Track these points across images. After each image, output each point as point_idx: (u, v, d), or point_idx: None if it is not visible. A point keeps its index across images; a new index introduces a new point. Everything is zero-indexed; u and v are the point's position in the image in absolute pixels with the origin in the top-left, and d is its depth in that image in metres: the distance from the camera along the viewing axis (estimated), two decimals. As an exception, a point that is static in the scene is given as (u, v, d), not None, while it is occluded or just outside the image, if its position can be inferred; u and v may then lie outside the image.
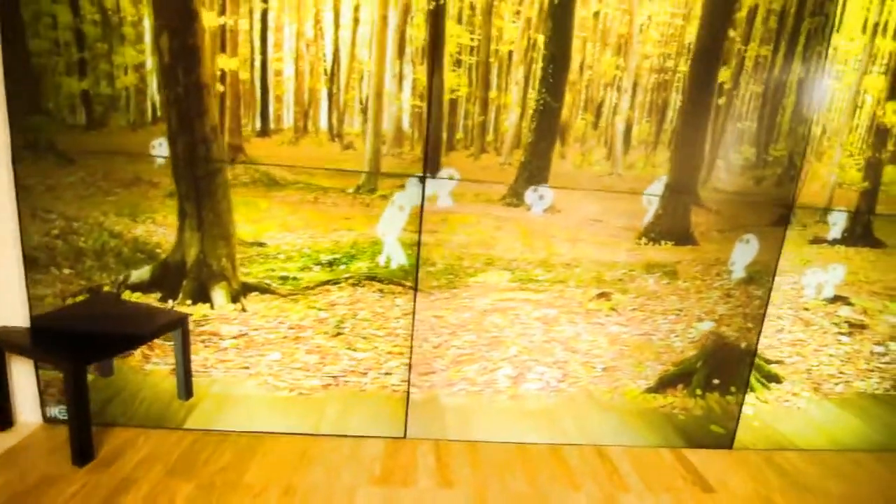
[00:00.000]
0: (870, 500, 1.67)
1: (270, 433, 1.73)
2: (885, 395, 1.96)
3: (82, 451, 1.50)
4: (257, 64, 1.57)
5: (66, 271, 1.64)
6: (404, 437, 1.78)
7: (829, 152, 1.79)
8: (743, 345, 1.86)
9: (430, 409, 1.78)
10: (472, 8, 1.57)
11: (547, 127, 1.67)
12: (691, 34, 1.65)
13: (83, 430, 1.50)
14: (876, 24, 1.72)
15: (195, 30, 1.51)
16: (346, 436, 1.75)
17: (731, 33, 1.67)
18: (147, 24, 1.51)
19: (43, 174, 1.59)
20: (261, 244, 1.66)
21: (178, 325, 1.65)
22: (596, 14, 1.61)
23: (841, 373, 1.92)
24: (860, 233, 1.87)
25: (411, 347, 1.73)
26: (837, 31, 1.71)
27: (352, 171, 1.65)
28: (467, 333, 1.75)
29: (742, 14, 1.65)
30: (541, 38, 1.61)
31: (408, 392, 1.76)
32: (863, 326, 1.91)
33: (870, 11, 1.70)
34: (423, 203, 1.66)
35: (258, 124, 1.61)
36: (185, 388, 1.70)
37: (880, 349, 1.93)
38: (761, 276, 1.82)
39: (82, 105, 1.58)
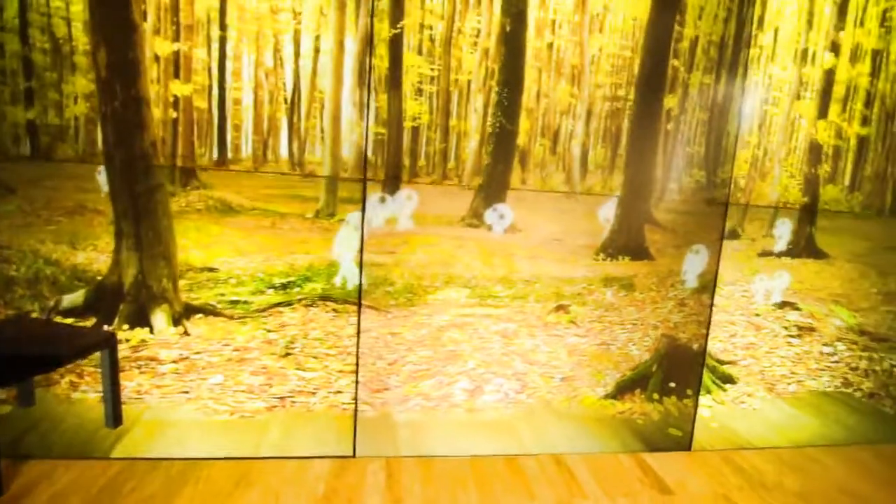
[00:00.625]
0: (824, 494, 1.73)
1: (206, 459, 1.64)
2: (835, 393, 2.09)
3: None
4: (215, 92, 1.58)
5: None
6: (353, 455, 1.73)
7: (772, 172, 1.93)
8: (695, 346, 1.95)
9: (382, 427, 1.76)
10: (432, 40, 1.64)
11: (503, 150, 1.74)
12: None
13: None
14: (805, 52, 1.89)
15: (134, 43, 1.51)
16: (289, 457, 1.68)
17: (675, 62, 1.79)
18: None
19: None
20: (212, 269, 1.64)
21: (104, 346, 1.55)
22: (550, 45, 1.71)
23: (793, 373, 2.05)
24: (804, 245, 2.00)
25: (357, 364, 1.72)
26: (772, 60, 1.87)
27: (309, 179, 1.65)
28: (424, 349, 1.77)
29: (684, 45, 1.78)
30: (497, 67, 1.68)
31: (355, 409, 1.73)
32: (811, 329, 2.05)
33: (798, 43, 1.87)
34: (364, 216, 1.68)
35: (216, 153, 1.60)
36: (114, 414, 1.59)
37: (829, 349, 2.08)
38: (712, 284, 1.93)
39: (27, 135, 1.54)
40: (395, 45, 1.62)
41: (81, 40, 1.50)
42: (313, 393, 1.70)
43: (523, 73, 1.70)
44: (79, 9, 1.48)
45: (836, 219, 2.02)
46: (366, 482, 1.60)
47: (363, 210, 1.65)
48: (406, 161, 1.69)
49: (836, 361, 2.07)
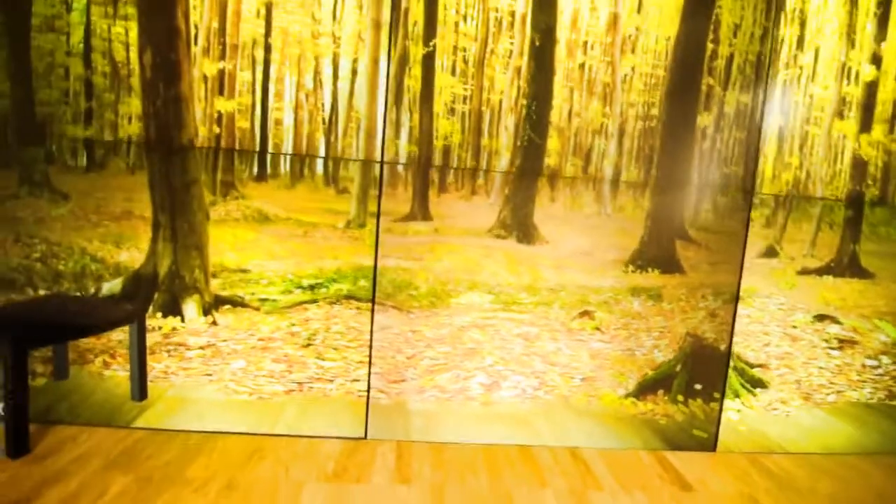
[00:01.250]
0: (861, 500, 1.66)
1: (223, 433, 1.73)
2: (879, 404, 2.01)
3: (17, 443, 1.48)
4: (257, 112, 1.68)
5: (43, 292, 1.70)
6: (365, 438, 1.77)
7: (814, 194, 1.89)
8: (721, 347, 1.91)
9: (396, 413, 1.79)
10: (466, 61, 1.70)
11: (531, 163, 1.77)
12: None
13: (19, 421, 1.48)
14: (847, 69, 1.86)
15: (177, 46, 1.63)
16: (302, 436, 1.74)
17: (710, 80, 1.79)
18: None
19: (34, 207, 1.68)
20: (244, 270, 1.74)
21: (133, 320, 1.65)
22: (582, 65, 1.74)
23: (832, 383, 1.98)
24: (847, 263, 1.94)
25: (370, 349, 1.76)
26: (813, 80, 1.85)
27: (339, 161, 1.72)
28: (443, 346, 1.80)
29: (720, 62, 1.78)
30: (526, 81, 1.73)
31: (368, 389, 1.77)
32: (853, 342, 1.99)
33: (839, 61, 1.84)
34: (379, 221, 1.74)
35: (255, 169, 1.69)
36: (140, 388, 1.69)
37: (873, 362, 2.00)
38: (748, 295, 1.91)
39: (84, 150, 1.67)
40: (428, 64, 1.69)
41: (138, 64, 1.63)
42: (331, 380, 1.77)
43: (552, 88, 1.74)
44: (137, 34, 1.62)
45: (884, 242, 1.95)
46: (375, 462, 1.63)
47: (378, 216, 1.72)
48: (436, 177, 1.74)
49: (882, 374, 2.00)
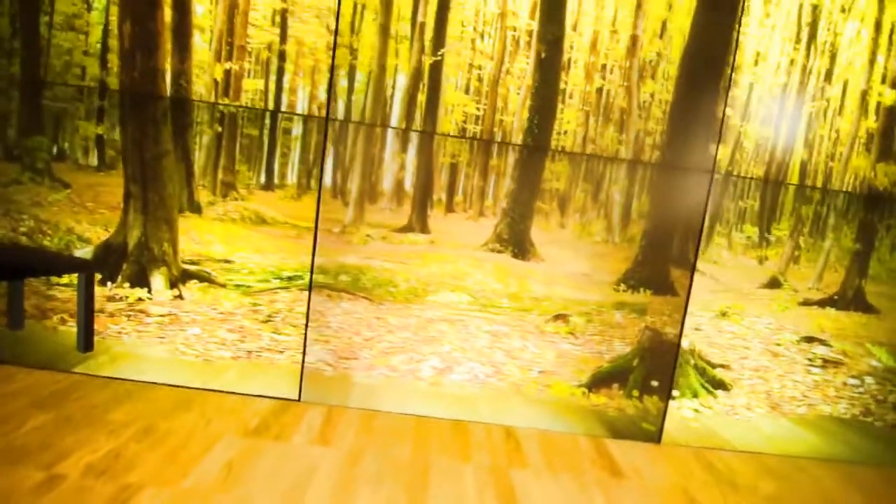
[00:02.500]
0: (803, 502, 1.64)
1: (158, 384, 1.79)
2: (851, 419, 2.01)
3: None
4: (267, 122, 1.70)
5: None
6: (298, 400, 1.82)
7: (833, 233, 1.86)
8: (684, 344, 1.90)
9: (338, 383, 1.83)
10: (480, 80, 1.70)
11: (529, 176, 1.79)
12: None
13: None
14: (877, 105, 1.82)
15: (155, 17, 1.67)
16: (236, 393, 1.79)
17: (729, 111, 1.77)
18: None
19: (32, 192, 1.76)
20: (228, 261, 1.80)
21: (81, 270, 1.68)
22: (599, 90, 1.73)
23: (805, 396, 1.98)
24: (851, 297, 1.91)
25: (307, 321, 1.80)
26: (840, 113, 1.81)
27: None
28: (404, 332, 1.84)
29: (737, 92, 1.76)
30: (539, 104, 1.73)
31: (304, 353, 1.82)
32: (838, 363, 1.99)
33: (867, 95, 1.80)
34: (317, 221, 1.77)
35: (263, 178, 1.72)
36: (85, 339, 1.73)
37: (855, 381, 2.00)
38: (734, 312, 1.91)
39: (95, 148, 1.71)
40: (435, 74, 1.70)
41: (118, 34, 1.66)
42: (281, 352, 1.83)
43: (556, 102, 1.75)
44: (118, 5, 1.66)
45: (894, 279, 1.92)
46: (300, 424, 1.66)
47: (317, 214, 1.76)
48: (443, 196, 1.76)
49: (862, 392, 2.00)
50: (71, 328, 1.80)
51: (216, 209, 1.76)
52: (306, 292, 1.82)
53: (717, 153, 1.81)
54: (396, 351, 1.84)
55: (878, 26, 1.81)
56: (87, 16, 1.66)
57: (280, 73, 1.71)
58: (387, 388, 1.85)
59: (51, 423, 1.47)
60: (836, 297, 1.95)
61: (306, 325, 1.82)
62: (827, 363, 1.98)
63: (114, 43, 1.67)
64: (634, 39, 1.73)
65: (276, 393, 1.83)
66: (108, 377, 1.79)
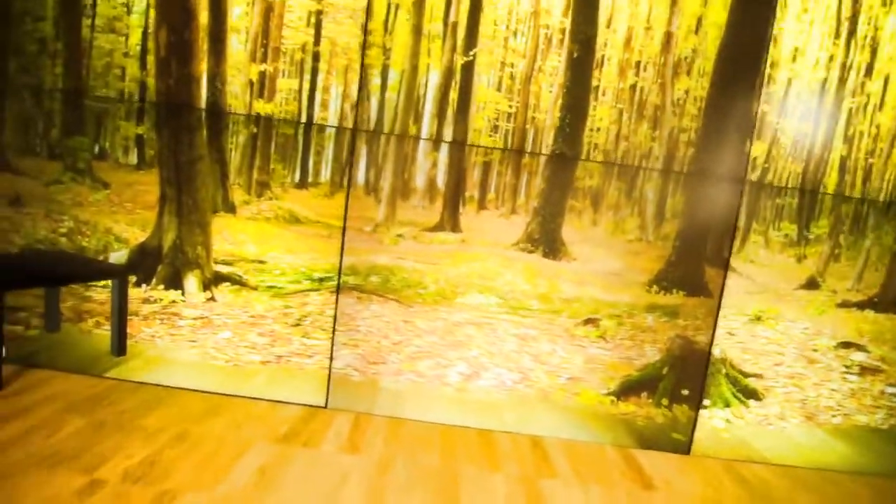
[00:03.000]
0: None
1: (188, 389, 1.81)
2: (890, 429, 1.95)
3: None
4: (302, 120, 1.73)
5: (18, 248, 1.82)
6: (325, 406, 1.83)
7: (871, 230, 1.83)
8: (715, 352, 1.87)
9: (365, 389, 1.85)
10: (512, 78, 1.71)
11: (561, 176, 1.79)
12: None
13: None
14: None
15: (191, 27, 1.71)
16: (264, 399, 1.82)
17: (765, 107, 1.74)
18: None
19: (73, 192, 1.80)
20: (261, 261, 1.82)
21: (115, 276, 1.75)
22: (633, 86, 1.73)
23: (840, 405, 1.93)
24: (892, 298, 1.87)
25: (334, 324, 1.82)
26: (880, 109, 1.78)
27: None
28: (432, 336, 1.84)
29: (774, 88, 1.73)
30: (571, 102, 1.73)
31: (330, 359, 1.83)
32: (877, 370, 1.93)
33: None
34: (345, 221, 1.76)
35: (297, 177, 1.75)
36: (118, 343, 1.79)
37: (894, 390, 1.94)
38: (769, 317, 1.87)
39: (135, 147, 1.76)
40: (468, 73, 1.70)
41: (154, 42, 1.71)
42: (310, 356, 1.84)
43: (588, 101, 1.74)
44: (155, 14, 1.70)
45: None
46: (328, 431, 1.68)
47: (345, 217, 1.77)
48: (475, 193, 1.76)
49: None
50: (106, 331, 1.83)
51: (250, 208, 1.79)
52: (336, 294, 1.83)
53: (750, 152, 1.79)
54: (423, 356, 1.84)
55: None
56: (126, 19, 1.70)
57: (314, 73, 1.74)
58: (413, 394, 1.85)
59: (87, 429, 1.49)
60: (875, 300, 1.91)
61: (334, 330, 1.84)
62: (864, 370, 1.93)
63: (153, 45, 1.72)
64: (669, 36, 1.72)
65: (304, 399, 1.84)
66: (139, 382, 1.82)
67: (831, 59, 1.76)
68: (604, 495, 1.52)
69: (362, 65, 1.71)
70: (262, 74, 1.72)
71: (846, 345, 1.92)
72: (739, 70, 1.75)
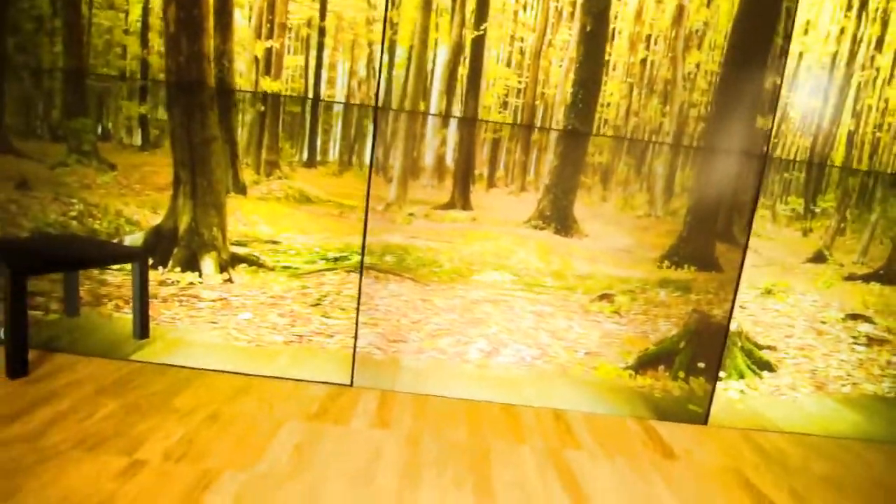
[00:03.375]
0: (856, 484, 1.64)
1: (214, 370, 1.82)
2: (895, 398, 2.01)
3: (15, 365, 1.58)
4: (309, 98, 1.70)
5: (36, 232, 1.79)
6: (351, 385, 1.85)
7: (878, 204, 1.84)
8: (732, 326, 1.91)
9: (388, 367, 1.86)
10: (522, 52, 1.68)
11: (573, 152, 1.77)
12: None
13: (18, 344, 1.57)
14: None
15: (200, 2, 1.66)
16: (290, 378, 1.84)
17: (776, 79, 1.73)
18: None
19: (80, 174, 1.77)
20: (275, 242, 1.81)
21: (135, 259, 1.74)
22: (643, 60, 1.71)
23: (849, 375, 1.98)
24: None
25: (358, 304, 1.82)
26: (889, 83, 1.77)
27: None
28: (451, 314, 1.85)
29: (788, 61, 1.72)
30: (574, 67, 1.70)
31: (355, 337, 1.84)
32: (884, 341, 1.97)
33: (923, 66, 1.76)
34: (368, 202, 1.75)
35: (305, 155, 1.73)
36: (141, 326, 1.79)
37: None
38: (780, 290, 1.90)
39: (139, 127, 1.73)
40: (477, 50, 1.68)
41: (162, 19, 1.66)
42: (331, 336, 1.85)
43: (601, 76, 1.72)
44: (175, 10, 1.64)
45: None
46: (356, 407, 1.71)
47: (367, 197, 1.76)
48: (485, 170, 1.75)
49: None
50: (125, 315, 1.82)
51: (260, 188, 1.76)
52: (354, 274, 1.82)
53: (773, 127, 1.78)
54: (443, 333, 1.85)
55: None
56: (126, -7, 1.66)
57: (320, 48, 1.70)
58: (436, 371, 1.86)
59: (120, 411, 1.50)
60: (881, 272, 1.92)
61: (357, 309, 1.84)
62: (871, 341, 1.96)
63: (154, 21, 1.67)
64: (681, 9, 1.70)
65: (329, 378, 1.85)
66: (164, 364, 1.82)
67: (842, 31, 1.74)
68: (629, 465, 1.56)
69: (383, 42, 1.68)
70: (269, 51, 1.69)
71: (853, 316, 1.95)
72: (752, 43, 1.73)
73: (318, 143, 1.74)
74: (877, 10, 1.73)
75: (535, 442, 1.62)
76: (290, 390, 1.77)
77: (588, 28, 1.69)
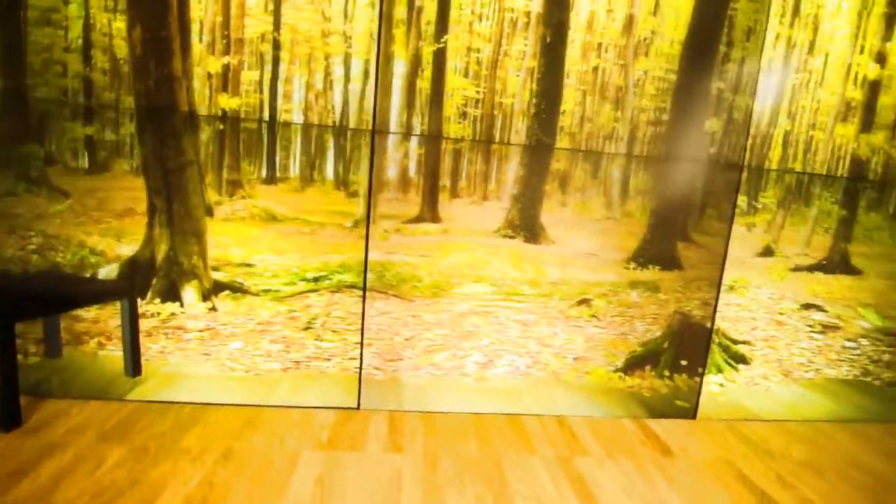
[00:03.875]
0: (833, 465, 1.74)
1: (216, 404, 1.76)
2: (853, 381, 2.16)
3: (8, 416, 1.48)
4: (265, 114, 1.66)
5: (19, 271, 1.67)
6: (357, 408, 1.83)
7: (815, 199, 1.96)
8: (708, 324, 2.00)
9: (390, 386, 1.86)
10: (479, 63, 1.69)
11: (539, 162, 1.79)
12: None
13: (9, 392, 1.48)
14: (856, 75, 1.90)
15: (168, 22, 1.56)
16: (295, 406, 1.79)
17: (721, 84, 1.82)
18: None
19: (31, 204, 1.65)
20: (249, 265, 1.73)
21: (123, 296, 1.67)
22: (595, 68, 1.75)
23: (811, 362, 2.11)
24: (838, 261, 2.04)
25: (362, 324, 1.81)
26: (821, 85, 1.89)
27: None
28: (441, 329, 1.85)
29: (731, 66, 1.81)
30: (540, 87, 1.73)
31: (361, 357, 1.82)
32: (836, 328, 2.11)
33: (847, 66, 1.88)
34: (369, 218, 1.76)
35: (265, 172, 1.69)
36: (133, 364, 1.70)
37: (852, 344, 2.14)
38: (740, 286, 1.99)
39: (85, 150, 1.64)
40: (439, 63, 1.68)
41: (128, 42, 1.58)
42: (328, 359, 1.81)
43: (562, 86, 1.74)
44: (139, 33, 1.57)
45: (875, 245, 2.05)
46: (368, 431, 1.68)
47: (368, 211, 1.74)
48: (447, 181, 1.77)
49: (859, 355, 2.13)
50: (110, 352, 1.71)
51: (223, 209, 1.68)
52: (337, 294, 1.77)
53: (747, 135, 1.87)
54: (438, 349, 1.84)
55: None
56: (64, 9, 1.56)
57: (275, 63, 1.66)
58: (436, 387, 1.85)
59: (129, 457, 1.41)
60: (824, 262, 2.02)
61: (362, 330, 1.80)
62: (826, 328, 2.07)
63: (97, 37, 1.59)
64: (630, 18, 1.75)
65: (334, 402, 1.80)
66: (163, 402, 1.73)
67: (777, 37, 1.84)
68: (633, 467, 1.61)
69: (379, 54, 1.65)
70: (226, 67, 1.64)
71: (807, 306, 2.05)
72: (701, 51, 1.81)
73: (278, 159, 1.71)
74: (808, 15, 1.84)
75: (544, 451, 1.65)
76: (297, 419, 1.71)
77: (548, 39, 1.71)
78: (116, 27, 1.55)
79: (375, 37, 1.63)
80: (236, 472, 1.41)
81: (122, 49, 1.57)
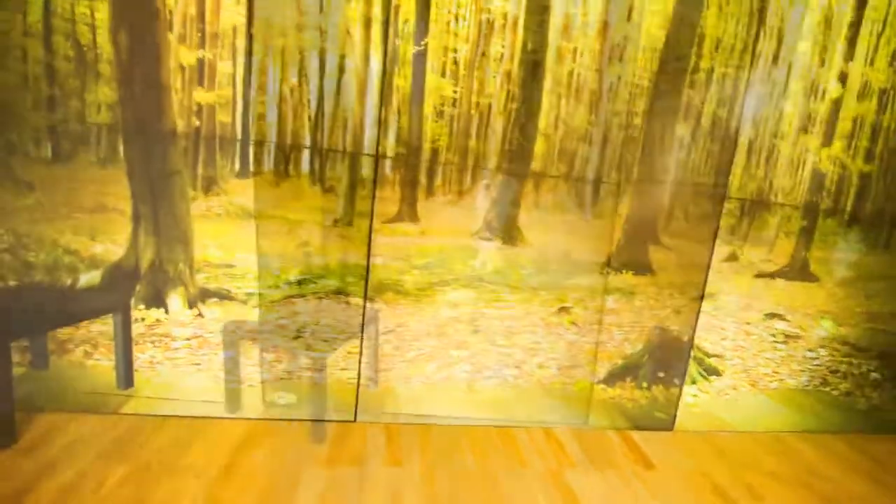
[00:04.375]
0: (796, 475, 1.82)
1: (212, 418, 1.71)
2: (813, 390, 2.22)
3: (4, 433, 1.45)
4: (239, 107, 1.62)
5: (13, 283, 1.59)
6: (354, 420, 1.82)
7: (778, 206, 2.03)
8: (685, 338, 2.05)
9: (384, 397, 1.85)
10: (456, 63, 1.69)
11: (518, 167, 1.78)
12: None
13: (5, 413, 1.44)
14: (815, 86, 1.97)
15: (154, 28, 1.50)
16: (293, 420, 1.76)
17: (691, 92, 1.86)
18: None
19: None
20: (229, 265, 1.67)
21: (116, 309, 1.62)
22: (570, 72, 1.77)
23: (775, 372, 2.16)
24: (799, 268, 2.12)
25: (362, 333, 1.79)
26: (784, 96, 1.95)
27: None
28: (429, 339, 1.85)
29: (701, 76, 1.85)
30: (517, 90, 1.74)
31: (358, 373, 1.80)
32: (797, 337, 2.16)
33: (809, 78, 1.95)
34: (372, 222, 1.74)
35: (237, 166, 1.65)
36: (125, 376, 1.66)
37: (812, 354, 2.20)
38: (709, 294, 2.02)
39: (48, 139, 1.57)
40: (418, 64, 1.67)
41: (106, 49, 1.52)
42: (320, 370, 1.76)
43: (542, 92, 1.74)
44: (104, 16, 1.51)
45: (832, 250, 2.14)
46: (367, 446, 1.67)
47: (371, 214, 1.71)
48: (424, 180, 1.76)
49: (818, 364, 2.19)
50: (98, 362, 1.64)
51: (198, 205, 1.61)
52: (324, 300, 1.74)
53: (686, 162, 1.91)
54: (427, 358, 1.84)
55: (823, 12, 1.94)
56: (24, -8, 1.48)
57: (249, 55, 1.62)
58: (429, 397, 1.85)
59: (132, 475, 1.37)
60: (786, 269, 2.07)
61: (361, 339, 1.76)
62: (788, 338, 2.12)
63: (58, 23, 1.51)
64: (605, 24, 1.77)
65: (330, 415, 1.77)
66: (159, 415, 1.67)
67: (745, 48, 1.90)
68: (617, 479, 1.64)
69: (384, 52, 1.61)
70: (201, 62, 1.58)
71: (770, 315, 2.09)
72: (675, 60, 1.84)
73: (251, 153, 1.67)
74: (772, 28, 1.90)
75: (535, 464, 1.67)
76: (295, 432, 1.67)
77: (529, 46, 1.72)
78: (79, 12, 1.48)
79: (351, 32, 1.61)
80: (241, 490, 1.39)
81: (85, 36, 1.50)
